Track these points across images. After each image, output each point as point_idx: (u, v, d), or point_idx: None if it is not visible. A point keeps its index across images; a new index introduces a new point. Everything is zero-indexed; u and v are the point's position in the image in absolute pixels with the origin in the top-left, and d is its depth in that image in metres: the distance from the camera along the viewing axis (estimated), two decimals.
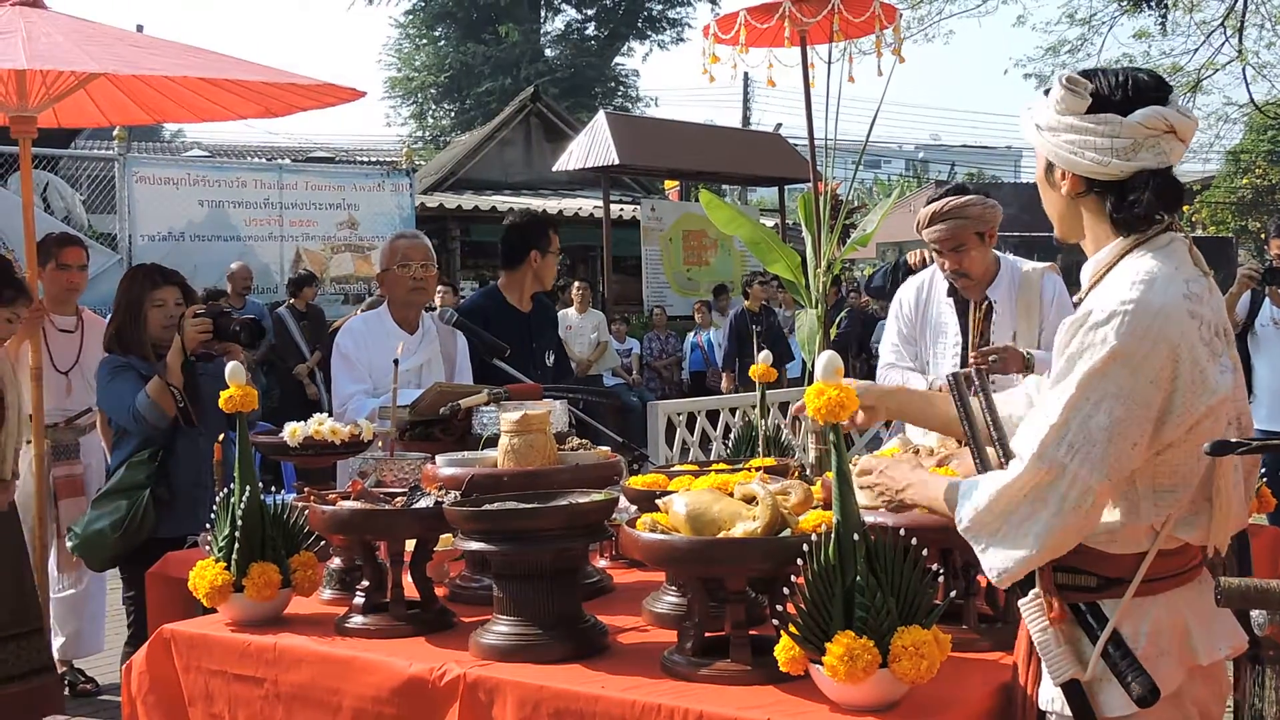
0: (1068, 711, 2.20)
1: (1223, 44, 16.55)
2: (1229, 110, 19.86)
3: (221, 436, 3.94)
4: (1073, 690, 2.19)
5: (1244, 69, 16.73)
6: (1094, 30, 17.14)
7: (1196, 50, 16.91)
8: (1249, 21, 16.37)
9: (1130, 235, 2.23)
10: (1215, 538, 2.21)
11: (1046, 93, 2.27)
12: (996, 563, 2.16)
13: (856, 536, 2.19)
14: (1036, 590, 2.21)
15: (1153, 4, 16.62)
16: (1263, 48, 17.01)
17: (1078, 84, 2.19)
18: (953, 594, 2.59)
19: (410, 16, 39.83)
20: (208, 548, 3.17)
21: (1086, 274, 2.29)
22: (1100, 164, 2.19)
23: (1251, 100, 17.47)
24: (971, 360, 4.37)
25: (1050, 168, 2.29)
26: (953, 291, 4.69)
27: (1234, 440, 1.83)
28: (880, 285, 7.21)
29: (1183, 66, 17.08)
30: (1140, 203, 2.18)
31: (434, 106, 40.71)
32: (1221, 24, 16.42)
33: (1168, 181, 2.19)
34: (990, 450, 2.33)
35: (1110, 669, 2.12)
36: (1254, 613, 1.60)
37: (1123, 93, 2.18)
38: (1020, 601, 2.25)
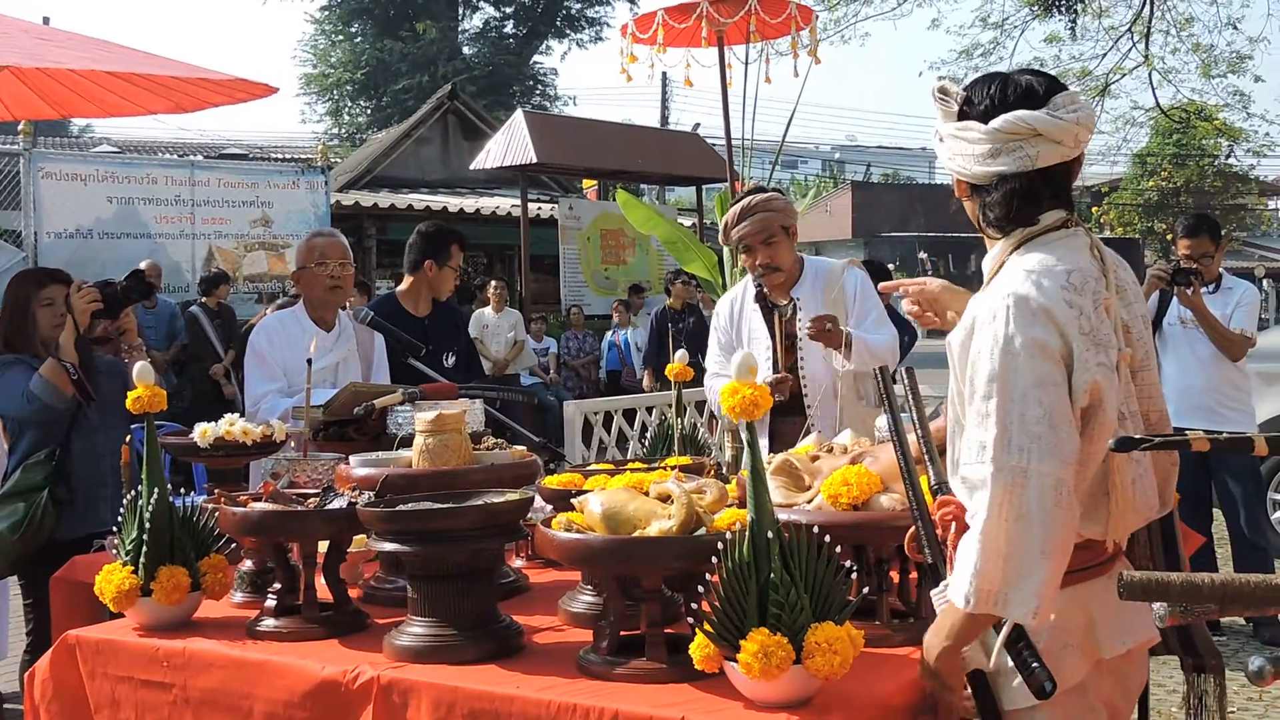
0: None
1: (1130, 49, 16.87)
2: (1136, 114, 20.33)
3: (129, 437, 3.87)
4: (978, 682, 2.24)
5: (1150, 74, 17.08)
6: (1006, 34, 17.38)
7: (1105, 55, 17.23)
8: (1155, 27, 16.70)
9: (1010, 235, 2.27)
10: (1113, 532, 2.24)
11: None
12: (1025, 604, 2.08)
13: (771, 534, 2.20)
14: (946, 582, 2.24)
15: (1063, 9, 16.89)
16: (1168, 53, 17.34)
17: (946, 94, 2.29)
18: (865, 590, 2.61)
19: (326, 12, 39.47)
20: (114, 551, 3.10)
21: (986, 273, 2.33)
22: (965, 169, 2.27)
23: (1157, 104, 17.86)
24: (808, 329, 4.39)
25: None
26: (760, 299, 4.69)
27: (1137, 436, 1.86)
28: None
29: (1091, 71, 17.39)
30: (996, 204, 2.25)
31: (350, 104, 40.37)
32: (1129, 30, 16.74)
33: (1023, 185, 2.22)
34: (910, 438, 2.37)
35: (1014, 660, 2.14)
36: (1154, 605, 1.63)
37: (989, 101, 2.24)
38: (932, 592, 2.28)
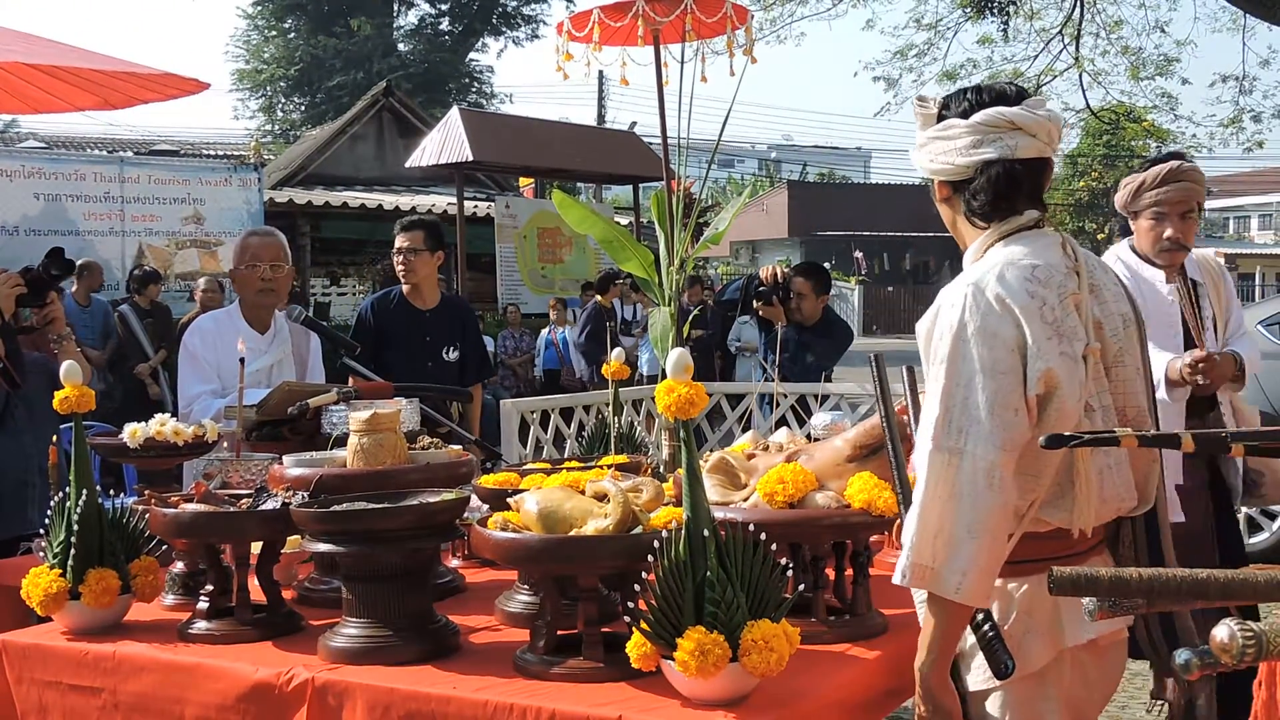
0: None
1: (1061, 51, 17.10)
2: (1067, 115, 20.52)
3: (56, 438, 3.81)
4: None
5: (1080, 75, 17.32)
6: (940, 35, 17.56)
7: (1036, 57, 17.44)
8: (1085, 30, 16.94)
9: (989, 226, 2.39)
10: (1079, 520, 2.30)
11: None
12: (953, 579, 2.17)
13: (707, 532, 2.20)
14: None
15: (995, 11, 17.09)
16: (1098, 55, 17.57)
17: (924, 101, 2.49)
18: (801, 588, 2.62)
19: (259, 7, 39.07)
20: (42, 554, 3.05)
21: (964, 268, 2.43)
22: (950, 164, 2.41)
23: (1088, 105, 18.11)
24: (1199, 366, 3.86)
25: (930, 184, 2.50)
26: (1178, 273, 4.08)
27: (1067, 434, 1.89)
28: (732, 299, 7.26)
29: (1023, 72, 17.58)
30: (981, 189, 2.39)
31: (283, 100, 40.00)
32: (1059, 32, 16.97)
33: (1006, 170, 2.36)
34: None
35: (977, 640, 2.22)
36: (1084, 600, 1.65)
37: (967, 103, 2.41)
38: (913, 592, 2.36)
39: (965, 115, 2.39)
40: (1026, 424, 2.23)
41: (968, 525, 2.18)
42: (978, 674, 2.32)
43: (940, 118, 2.45)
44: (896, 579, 2.26)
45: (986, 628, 2.20)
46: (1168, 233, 4.01)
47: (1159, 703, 2.50)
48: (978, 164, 2.37)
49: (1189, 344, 4.01)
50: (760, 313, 6.86)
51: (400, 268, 5.66)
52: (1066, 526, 2.32)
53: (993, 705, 2.34)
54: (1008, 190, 2.37)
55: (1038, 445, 2.17)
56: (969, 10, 17.09)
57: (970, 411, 2.20)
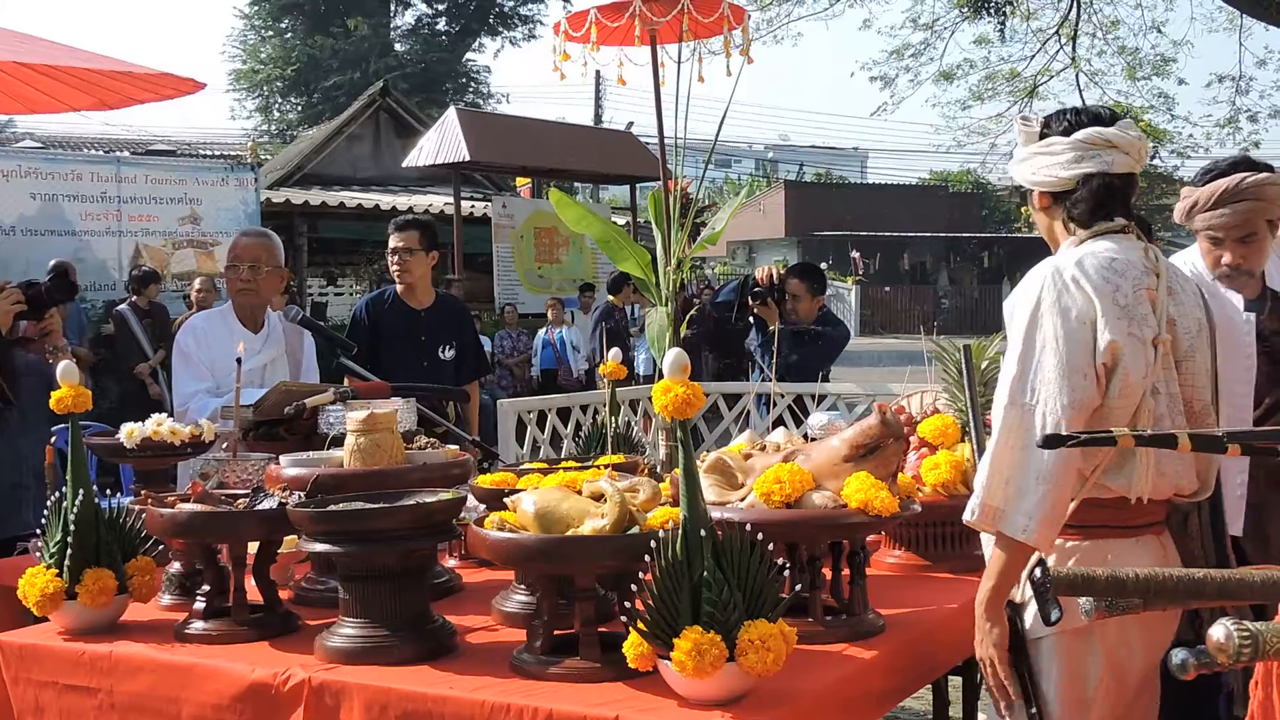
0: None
1: (1057, 52, 17.14)
2: None
3: (54, 438, 3.80)
4: (1009, 610, 2.56)
5: (1077, 76, 17.35)
6: (936, 35, 17.59)
7: (1033, 57, 17.49)
8: (1081, 30, 16.97)
9: (1085, 232, 2.63)
10: (1135, 487, 2.52)
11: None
12: (1019, 522, 2.44)
13: (704, 532, 2.20)
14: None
15: (992, 11, 17.11)
16: (1094, 55, 17.60)
17: (1027, 121, 2.75)
18: (798, 588, 2.62)
19: (255, 7, 39.05)
20: (38, 554, 3.05)
21: None
22: (1050, 177, 2.66)
23: (1084, 106, 18.08)
24: None
25: (1029, 193, 2.75)
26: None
27: (1064, 434, 1.90)
28: (727, 300, 7.22)
29: (1020, 72, 17.64)
30: (1082, 200, 2.64)
31: (280, 100, 39.98)
32: (1056, 32, 16.99)
33: (1104, 182, 2.62)
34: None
35: (1032, 588, 2.33)
36: (1080, 600, 1.66)
37: (1067, 122, 2.67)
38: (984, 535, 2.61)
39: (1066, 133, 2.64)
40: (1095, 389, 2.48)
41: (1036, 473, 2.43)
42: (1034, 622, 2.52)
43: (1042, 135, 2.70)
44: (966, 517, 2.53)
45: (1041, 577, 2.25)
46: (1226, 258, 3.46)
47: None
48: (1079, 176, 2.62)
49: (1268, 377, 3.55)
50: (756, 313, 6.86)
51: (395, 268, 5.66)
52: (1125, 494, 2.52)
53: (1045, 650, 2.56)
54: (1105, 199, 2.62)
55: (1104, 412, 2.50)
56: (966, 10, 17.11)
57: (1043, 373, 2.47)
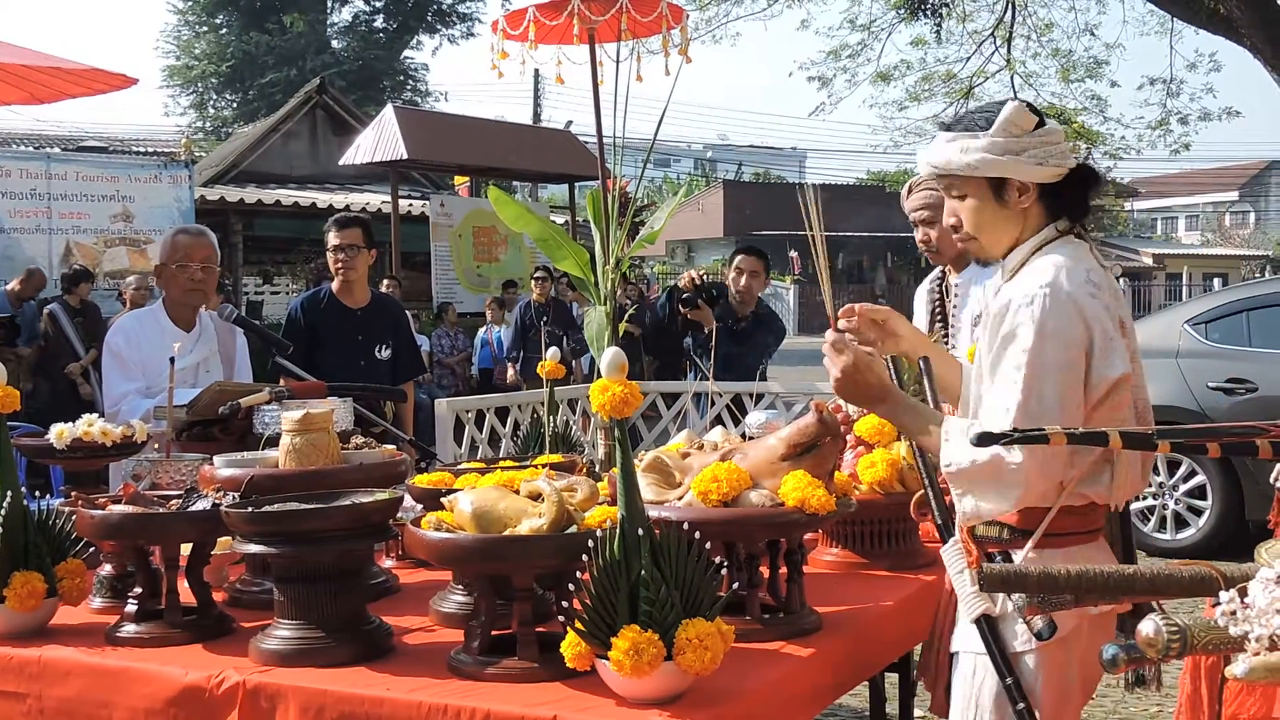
0: (975, 648, 2.50)
1: (993, 53, 17.31)
2: None
3: None
4: (984, 625, 2.47)
5: (1012, 78, 17.54)
6: (874, 36, 17.70)
7: (969, 59, 17.65)
8: (1016, 33, 17.16)
9: (1066, 225, 2.56)
10: (1116, 495, 2.51)
11: (948, 128, 2.62)
12: (986, 508, 2.42)
13: (641, 531, 2.20)
14: (957, 537, 2.51)
15: (928, 13, 17.25)
16: (1029, 58, 17.79)
17: (1026, 104, 2.56)
18: (736, 586, 2.63)
19: (189, 3, 38.59)
20: None
21: (1007, 268, 2.61)
22: (1061, 165, 2.52)
23: None
24: None
25: (1001, 186, 2.55)
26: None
27: (998, 431, 1.92)
28: (660, 316, 7.19)
29: (956, 74, 17.79)
30: (1074, 192, 2.56)
31: (215, 97, 39.57)
32: (991, 34, 17.17)
33: (1086, 173, 2.58)
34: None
35: (1015, 605, 2.33)
36: (1013, 596, 1.68)
37: (1038, 115, 2.55)
38: (942, 549, 2.53)
39: (1043, 124, 2.54)
40: (1082, 415, 2.43)
41: (1023, 481, 2.38)
42: (1019, 636, 2.47)
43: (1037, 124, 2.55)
44: (947, 467, 2.44)
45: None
46: (918, 236, 4.38)
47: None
48: (1070, 169, 2.53)
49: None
50: (689, 316, 6.84)
51: (340, 265, 5.59)
52: (1102, 501, 2.51)
53: (1028, 665, 2.49)
54: (1088, 192, 2.58)
55: (1095, 424, 2.42)
56: (902, 12, 17.24)
57: (1045, 403, 2.38)
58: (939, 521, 2.57)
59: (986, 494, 2.41)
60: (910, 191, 4.44)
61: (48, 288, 12.24)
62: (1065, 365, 2.41)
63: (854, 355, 2.56)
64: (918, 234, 4.44)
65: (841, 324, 2.79)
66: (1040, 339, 2.40)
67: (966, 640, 2.55)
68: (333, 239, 5.59)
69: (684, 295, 6.80)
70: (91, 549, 3.15)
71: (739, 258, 7.01)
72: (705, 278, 6.95)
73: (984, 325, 2.56)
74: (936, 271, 4.50)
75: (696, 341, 6.98)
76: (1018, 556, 2.45)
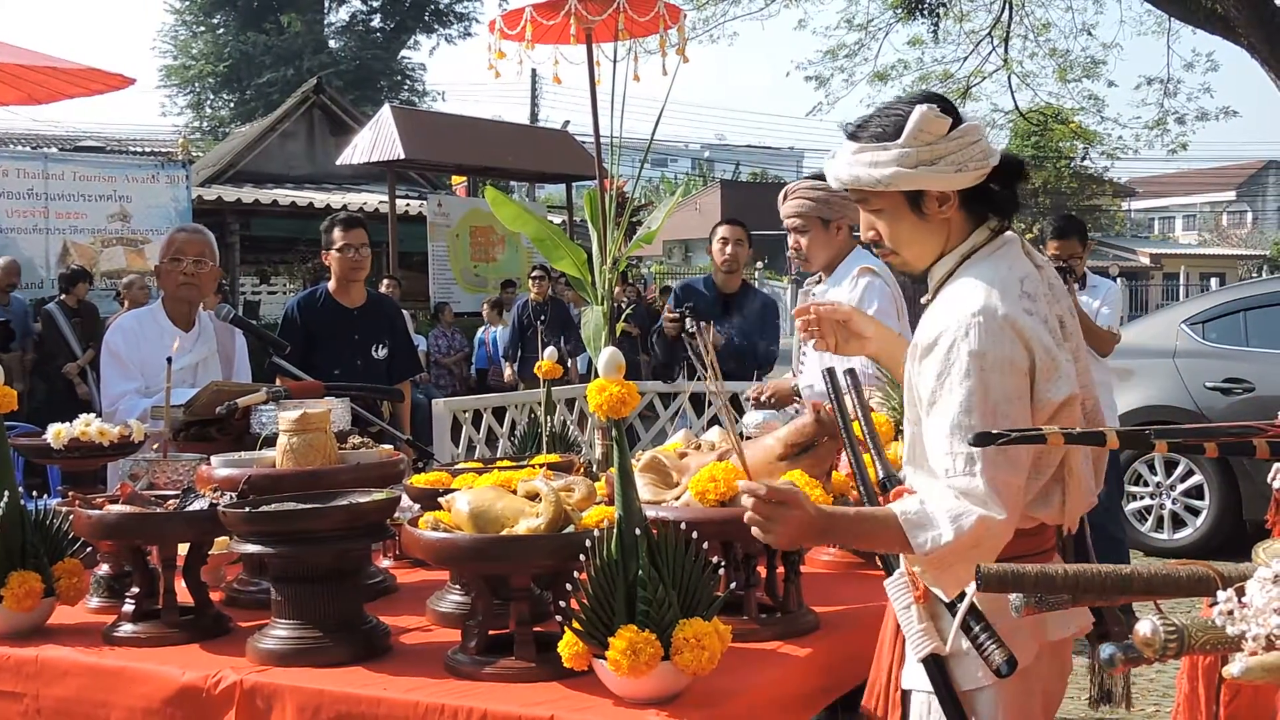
0: (927, 686, 2.29)
1: (990, 53, 17.31)
2: (996, 116, 20.82)
3: None
4: (933, 664, 2.27)
5: (1009, 77, 17.56)
6: (871, 36, 17.70)
7: (966, 59, 17.65)
8: (1013, 32, 17.16)
9: (997, 223, 2.37)
10: (1069, 516, 2.35)
11: (853, 137, 2.36)
12: (966, 576, 2.10)
13: (639, 531, 2.21)
14: (902, 570, 2.32)
15: (925, 13, 17.25)
16: (1026, 57, 17.79)
17: (938, 107, 2.30)
18: (733, 585, 2.63)
19: (187, 3, 38.57)
20: None
21: (934, 281, 2.39)
22: (983, 166, 2.30)
23: (1016, 107, 18.35)
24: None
25: (918, 198, 2.33)
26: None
27: (995, 432, 1.91)
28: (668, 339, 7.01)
29: (953, 74, 17.80)
30: (1002, 191, 2.35)
31: (212, 96, 39.55)
32: (989, 34, 17.17)
33: (1013, 166, 2.36)
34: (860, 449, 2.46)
35: (971, 642, 2.17)
36: (1010, 596, 1.67)
37: (952, 112, 2.32)
38: (886, 582, 2.34)
39: (959, 123, 2.31)
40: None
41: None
42: (970, 674, 2.27)
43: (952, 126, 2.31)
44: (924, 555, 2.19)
45: (979, 629, 2.16)
46: (790, 243, 4.54)
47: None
48: (993, 165, 2.32)
49: None
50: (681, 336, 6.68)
51: (351, 265, 5.54)
52: (1053, 522, 2.35)
53: (985, 703, 2.30)
54: (1015, 185, 2.37)
55: (1044, 448, 2.23)
56: (900, 11, 17.24)
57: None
58: (880, 555, 2.41)
59: (970, 565, 2.12)
60: (785, 198, 4.50)
61: (44, 287, 12.24)
62: (1013, 396, 2.21)
63: (779, 518, 2.19)
64: (790, 240, 4.52)
65: (797, 323, 2.72)
66: (982, 374, 2.19)
67: (917, 679, 2.35)
68: (340, 239, 5.54)
69: (682, 332, 6.62)
70: (89, 549, 3.15)
71: (720, 228, 6.66)
72: (686, 311, 6.68)
73: (913, 358, 2.32)
74: (814, 277, 4.60)
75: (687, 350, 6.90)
76: (970, 587, 2.16)
